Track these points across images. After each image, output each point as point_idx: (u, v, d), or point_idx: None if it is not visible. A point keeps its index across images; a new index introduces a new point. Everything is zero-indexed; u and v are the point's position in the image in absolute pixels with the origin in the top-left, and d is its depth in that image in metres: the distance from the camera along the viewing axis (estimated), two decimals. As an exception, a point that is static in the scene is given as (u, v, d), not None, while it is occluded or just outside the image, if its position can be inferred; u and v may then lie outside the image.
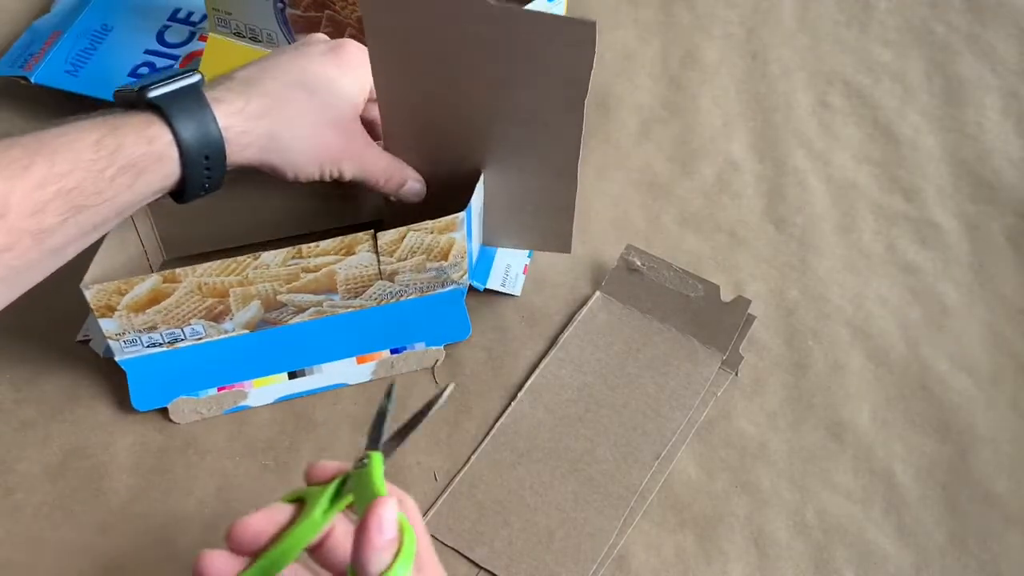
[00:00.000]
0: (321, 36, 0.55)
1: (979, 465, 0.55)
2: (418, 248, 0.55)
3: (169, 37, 0.73)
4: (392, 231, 0.53)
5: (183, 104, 0.46)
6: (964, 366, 0.60)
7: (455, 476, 0.54)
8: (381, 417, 0.40)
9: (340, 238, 0.53)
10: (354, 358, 0.58)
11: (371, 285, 0.56)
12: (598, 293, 0.61)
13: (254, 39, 0.70)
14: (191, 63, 0.71)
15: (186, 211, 0.59)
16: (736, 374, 0.58)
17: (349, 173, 0.52)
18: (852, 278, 0.64)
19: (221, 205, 0.59)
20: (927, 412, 0.58)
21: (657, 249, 0.65)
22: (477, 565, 0.51)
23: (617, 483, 0.53)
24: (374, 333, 0.58)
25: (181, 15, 0.75)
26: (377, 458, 0.38)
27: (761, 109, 0.76)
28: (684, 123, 0.74)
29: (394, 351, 0.58)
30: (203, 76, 0.48)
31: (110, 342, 0.53)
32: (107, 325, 0.52)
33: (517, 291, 0.62)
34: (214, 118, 0.46)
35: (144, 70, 0.71)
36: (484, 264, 0.62)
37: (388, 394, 0.41)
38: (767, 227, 0.67)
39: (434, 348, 0.58)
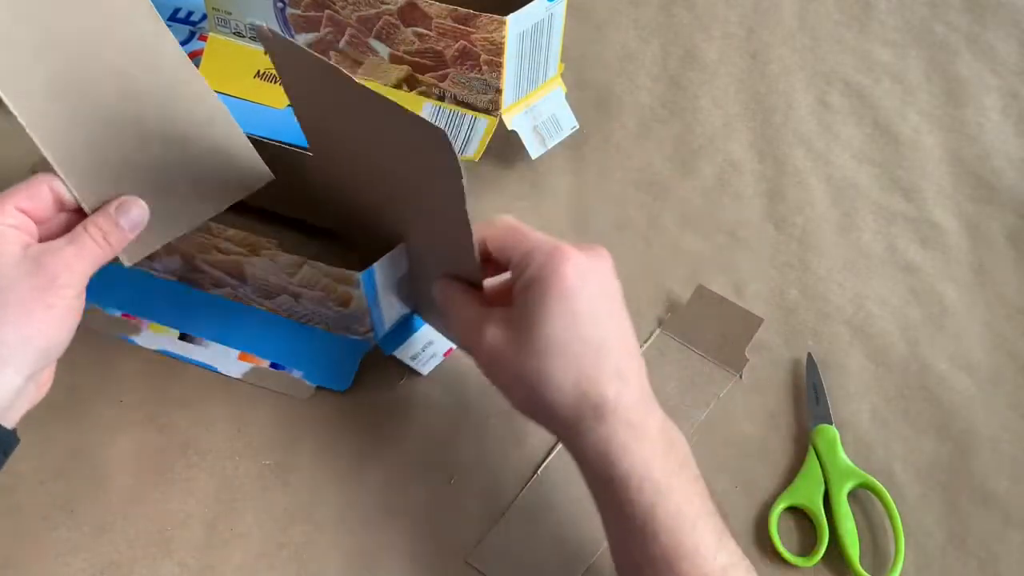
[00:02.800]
0: None
1: (979, 465, 0.55)
2: (316, 283, 0.54)
3: (169, 37, 0.73)
4: (290, 257, 0.53)
5: None
6: (964, 366, 0.60)
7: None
8: None
9: (246, 234, 0.53)
10: (238, 352, 0.58)
11: (279, 295, 0.56)
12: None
13: (254, 39, 0.70)
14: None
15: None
16: (740, 376, 0.58)
17: (69, 269, 0.45)
18: (852, 278, 0.64)
19: None
20: (927, 412, 0.58)
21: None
22: (468, 564, 0.51)
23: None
24: (266, 339, 0.58)
25: (181, 15, 0.75)
26: None
27: (761, 109, 0.76)
28: (684, 123, 0.74)
29: (273, 365, 0.57)
30: None
31: None
32: None
33: (424, 371, 0.57)
34: None
35: (144, 70, 0.71)
36: (404, 332, 0.58)
37: None
38: (767, 227, 0.67)
39: (308, 383, 0.57)
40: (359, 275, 0.51)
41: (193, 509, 0.52)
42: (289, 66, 0.50)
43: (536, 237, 0.46)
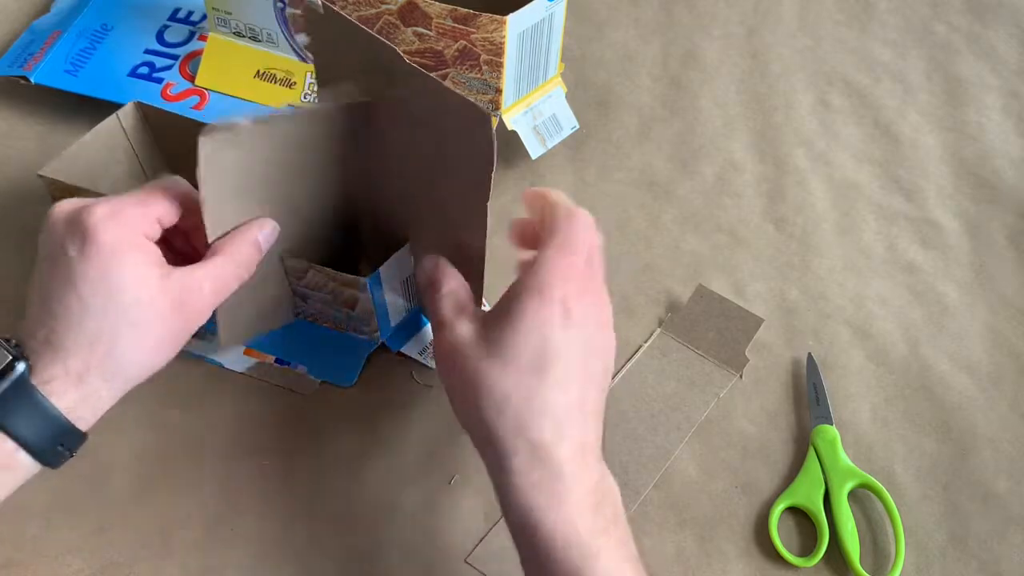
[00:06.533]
0: (60, 226, 0.43)
1: (979, 465, 0.55)
2: (323, 287, 0.54)
3: (169, 37, 0.73)
4: (297, 260, 0.53)
5: (14, 407, 0.40)
6: (964, 366, 0.60)
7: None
8: None
9: None
10: (244, 347, 0.58)
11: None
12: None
13: (254, 39, 0.70)
14: (191, 61, 0.71)
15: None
16: (740, 376, 0.58)
17: (207, 310, 0.46)
18: (852, 278, 0.64)
19: None
20: (927, 412, 0.58)
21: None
22: (471, 565, 0.51)
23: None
24: (274, 335, 0.57)
25: (181, 15, 0.75)
26: None
27: (761, 109, 0.76)
28: (684, 123, 0.74)
29: (278, 361, 0.57)
30: (26, 362, 0.41)
31: None
32: None
33: (433, 364, 0.57)
34: (53, 409, 0.41)
35: (144, 70, 0.71)
36: (411, 328, 0.58)
37: None
38: (767, 227, 0.67)
39: (312, 378, 0.57)
40: (365, 280, 0.51)
41: (193, 509, 0.52)
42: (328, 44, 0.49)
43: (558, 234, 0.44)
